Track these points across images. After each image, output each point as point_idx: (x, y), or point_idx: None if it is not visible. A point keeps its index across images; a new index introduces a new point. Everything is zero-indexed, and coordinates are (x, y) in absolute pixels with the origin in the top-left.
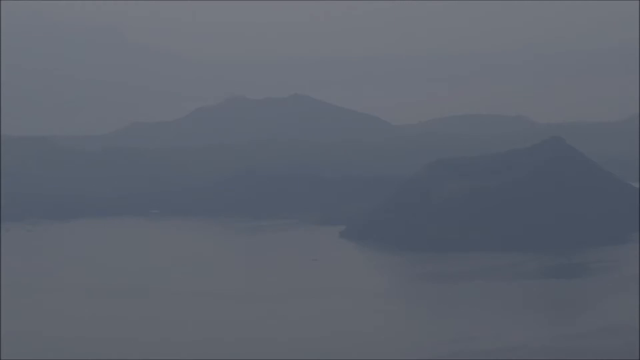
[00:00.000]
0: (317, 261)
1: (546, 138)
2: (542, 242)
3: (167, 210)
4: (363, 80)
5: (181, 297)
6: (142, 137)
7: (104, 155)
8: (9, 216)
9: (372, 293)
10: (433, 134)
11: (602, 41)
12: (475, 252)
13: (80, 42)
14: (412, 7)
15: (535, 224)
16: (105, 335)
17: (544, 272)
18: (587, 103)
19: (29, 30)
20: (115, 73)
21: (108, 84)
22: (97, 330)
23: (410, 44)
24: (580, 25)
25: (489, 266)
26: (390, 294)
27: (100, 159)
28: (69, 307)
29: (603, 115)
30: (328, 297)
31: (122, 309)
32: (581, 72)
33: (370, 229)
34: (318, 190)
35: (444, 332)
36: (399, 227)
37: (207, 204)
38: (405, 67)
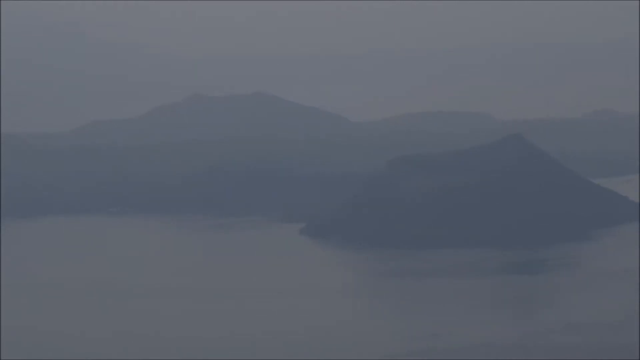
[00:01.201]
0: (276, 259)
1: (506, 135)
2: (505, 239)
3: (128, 208)
4: (324, 78)
5: (131, 294)
6: (102, 134)
7: (64, 153)
8: None
9: (333, 290)
10: (394, 131)
11: (565, 39)
12: (439, 249)
13: (40, 37)
14: (379, 4)
15: (498, 220)
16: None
17: (507, 269)
18: (547, 100)
19: None
20: (73, 69)
21: (67, 80)
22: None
23: (372, 42)
24: (546, 23)
25: (453, 263)
26: (353, 291)
27: (60, 156)
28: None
29: (563, 112)
30: (288, 295)
31: (72, 306)
32: (543, 68)
33: (332, 226)
34: (281, 188)
35: (409, 329)
36: (362, 224)
37: (169, 202)
38: (366, 65)
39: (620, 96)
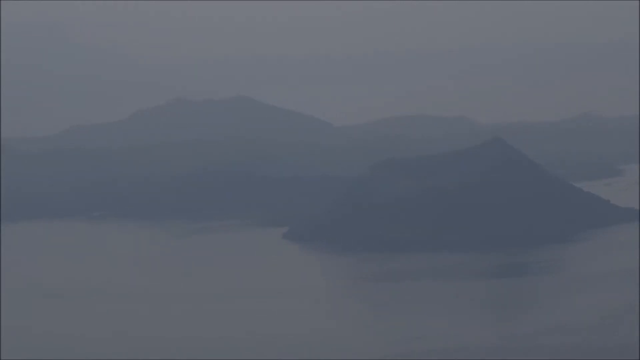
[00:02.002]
0: (259, 263)
1: (488, 139)
2: (488, 242)
3: (111, 212)
4: (306, 82)
5: (116, 297)
6: (83, 138)
7: (45, 158)
8: None
9: (316, 294)
10: (377, 135)
11: (545, 42)
12: (421, 252)
13: (20, 40)
14: (358, 6)
15: (481, 224)
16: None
17: (490, 272)
18: (528, 103)
19: None
20: (55, 73)
21: (49, 84)
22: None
23: (352, 45)
24: (527, 26)
25: (435, 266)
26: (336, 295)
27: (43, 161)
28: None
29: (545, 116)
30: (271, 298)
31: (52, 309)
32: (524, 72)
33: (315, 229)
34: (264, 192)
35: (392, 332)
36: (345, 228)
37: (151, 206)
38: (348, 70)
39: (601, 100)
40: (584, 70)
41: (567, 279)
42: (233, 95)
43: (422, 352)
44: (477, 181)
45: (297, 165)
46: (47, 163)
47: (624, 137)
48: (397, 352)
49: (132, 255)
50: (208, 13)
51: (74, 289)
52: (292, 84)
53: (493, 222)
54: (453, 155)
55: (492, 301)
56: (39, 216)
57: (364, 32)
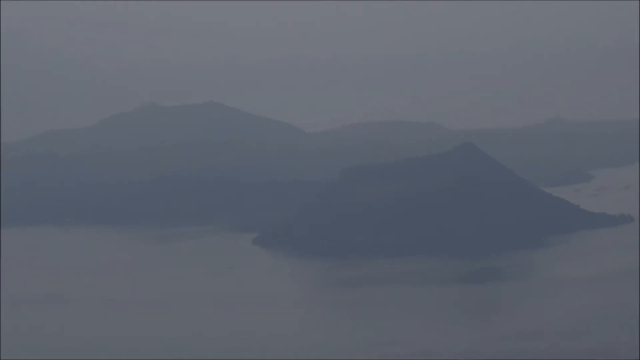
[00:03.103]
0: (231, 269)
1: (458, 144)
2: (457, 247)
3: (82, 217)
4: (276, 88)
5: (87, 303)
6: (56, 144)
7: (16, 163)
8: None
9: (287, 299)
10: (347, 141)
11: (514, 46)
12: (391, 257)
13: None
14: (331, 11)
15: (449, 229)
16: None
17: (459, 277)
18: (496, 109)
19: None
20: (26, 78)
21: (19, 90)
22: None
23: (322, 50)
24: (498, 31)
25: (405, 271)
26: (307, 300)
27: (13, 167)
28: None
29: (515, 121)
30: (242, 304)
31: (18, 318)
32: (494, 77)
33: (286, 235)
34: (233, 197)
35: (364, 336)
36: (315, 234)
37: (122, 211)
38: (317, 74)
39: (571, 104)
40: (553, 74)
41: (537, 283)
42: (204, 100)
43: (395, 355)
44: (448, 186)
45: (267, 171)
46: (18, 168)
47: (593, 142)
48: (370, 356)
49: (104, 261)
50: (180, 18)
51: (45, 295)
52: (263, 90)
53: (463, 227)
54: (423, 160)
55: (462, 306)
56: (9, 223)
57: (337, 38)
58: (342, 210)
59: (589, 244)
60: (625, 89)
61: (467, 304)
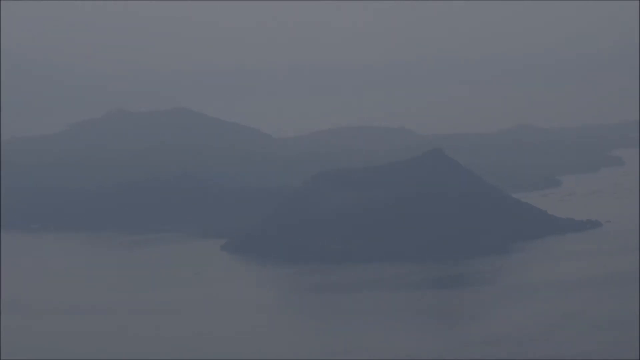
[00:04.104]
0: (198, 275)
1: (426, 150)
2: (426, 253)
3: (50, 224)
4: (244, 93)
5: (56, 310)
6: (21, 150)
7: None
8: None
9: (255, 306)
10: (316, 147)
11: (483, 54)
12: (361, 263)
13: None
14: (302, 17)
15: (418, 235)
16: None
17: (427, 283)
18: (466, 114)
19: None
20: None
21: None
22: None
23: (293, 56)
24: (465, 38)
25: (375, 277)
26: (275, 306)
27: None
28: None
29: (483, 127)
30: (210, 311)
31: None
32: (462, 83)
33: (253, 241)
34: (202, 203)
35: (335, 343)
36: (283, 240)
37: (89, 217)
38: (287, 79)
39: (539, 111)
40: (521, 81)
41: (503, 290)
42: (172, 106)
43: None
44: (416, 192)
45: (235, 177)
46: None
47: (562, 148)
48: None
49: (69, 268)
50: (148, 24)
51: (12, 302)
52: (232, 96)
53: (432, 233)
54: (392, 166)
55: (429, 312)
56: None
57: (305, 44)
58: (312, 217)
59: (556, 250)
60: (591, 96)
61: (434, 310)
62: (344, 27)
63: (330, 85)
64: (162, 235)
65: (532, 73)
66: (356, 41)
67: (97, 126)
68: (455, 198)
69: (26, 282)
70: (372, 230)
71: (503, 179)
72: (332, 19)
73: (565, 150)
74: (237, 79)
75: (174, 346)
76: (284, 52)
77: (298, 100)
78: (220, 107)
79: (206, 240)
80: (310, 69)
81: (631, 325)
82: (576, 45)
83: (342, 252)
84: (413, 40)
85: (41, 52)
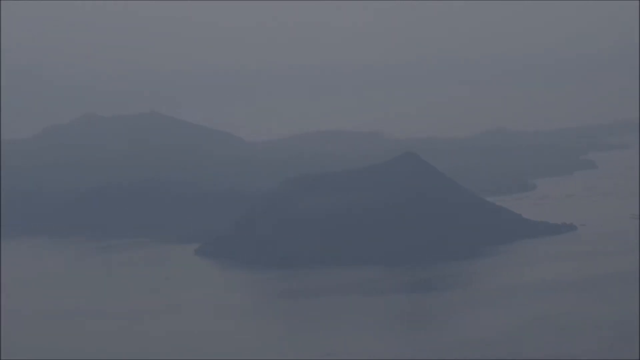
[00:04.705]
0: (170, 280)
1: (400, 153)
2: (399, 257)
3: (17, 229)
4: (217, 97)
5: (22, 316)
6: None
7: None
8: None
9: (227, 310)
10: (288, 151)
11: (459, 57)
12: (333, 267)
13: None
14: (275, 20)
15: (391, 239)
16: None
17: (401, 287)
18: (440, 118)
19: None
20: None
21: None
22: None
23: (267, 59)
24: (436, 42)
25: (347, 282)
26: (247, 311)
27: None
28: None
29: (457, 131)
30: (183, 316)
31: None
32: (436, 88)
33: (227, 246)
34: (174, 208)
35: (301, 348)
36: (255, 244)
37: (60, 223)
38: (260, 83)
39: (514, 115)
40: (497, 85)
41: (478, 293)
42: (143, 110)
43: None
44: (389, 196)
45: (208, 181)
46: None
47: (536, 151)
48: None
49: (40, 273)
50: (118, 27)
51: None
52: (204, 99)
53: (405, 237)
54: (365, 170)
55: (403, 316)
56: None
57: (276, 47)
58: (284, 221)
59: (530, 253)
60: (564, 99)
61: (406, 314)
62: (316, 31)
63: (304, 90)
64: (134, 241)
65: (508, 77)
66: (329, 45)
67: (67, 131)
68: (429, 202)
69: None
70: (345, 234)
71: (477, 182)
72: (302, 21)
73: (540, 153)
74: (212, 83)
75: (141, 350)
76: (259, 56)
77: (271, 103)
78: (194, 111)
79: (179, 245)
80: (284, 73)
81: (605, 327)
82: (576, 45)
83: (314, 257)
84: (389, 43)
85: (9, 55)
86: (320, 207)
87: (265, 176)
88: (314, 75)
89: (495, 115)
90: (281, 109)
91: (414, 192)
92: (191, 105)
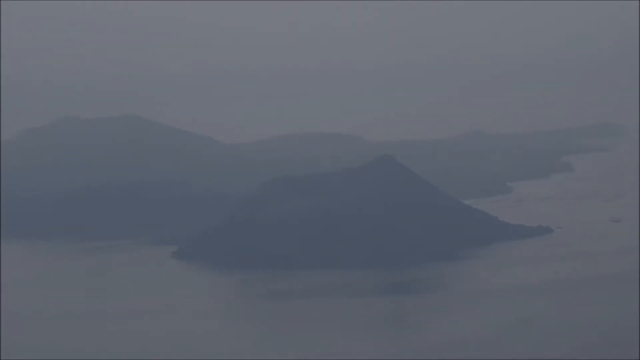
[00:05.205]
0: (147, 283)
1: (378, 156)
2: (378, 260)
3: None
4: (196, 99)
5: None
6: None
7: None
8: None
9: (206, 313)
10: (267, 153)
11: (436, 60)
12: (312, 270)
13: None
14: (259, 25)
15: (369, 241)
16: None
17: (379, 289)
18: (417, 121)
19: None
20: None
21: None
22: None
23: (245, 63)
24: (415, 45)
25: (325, 284)
26: (225, 313)
27: None
28: None
29: (433, 133)
30: (160, 318)
31: None
32: (412, 90)
33: (204, 248)
34: (151, 210)
35: (281, 350)
36: (234, 246)
37: (37, 226)
38: (239, 86)
39: (492, 117)
40: (475, 87)
41: (454, 295)
42: (123, 113)
43: None
44: (366, 199)
45: (186, 183)
46: None
47: (512, 154)
48: None
49: (17, 276)
50: (99, 30)
51: None
52: (183, 102)
53: (382, 240)
54: (342, 173)
55: (381, 319)
56: None
57: (255, 50)
58: (263, 223)
59: (506, 256)
60: (541, 101)
61: (385, 316)
62: (298, 34)
63: (283, 92)
64: (111, 243)
65: (484, 79)
66: (309, 48)
67: (46, 133)
68: (405, 204)
69: None
70: (324, 236)
71: (454, 185)
72: (281, 25)
73: (517, 156)
74: (192, 84)
75: (118, 352)
76: (230, 58)
77: (252, 106)
78: (174, 114)
79: (156, 247)
80: (265, 75)
81: (583, 330)
82: (530, 52)
83: (293, 259)
84: (367, 46)
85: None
86: (298, 209)
87: (245, 179)
88: (295, 78)
89: (473, 117)
90: (261, 112)
91: (390, 195)
92: (173, 106)
